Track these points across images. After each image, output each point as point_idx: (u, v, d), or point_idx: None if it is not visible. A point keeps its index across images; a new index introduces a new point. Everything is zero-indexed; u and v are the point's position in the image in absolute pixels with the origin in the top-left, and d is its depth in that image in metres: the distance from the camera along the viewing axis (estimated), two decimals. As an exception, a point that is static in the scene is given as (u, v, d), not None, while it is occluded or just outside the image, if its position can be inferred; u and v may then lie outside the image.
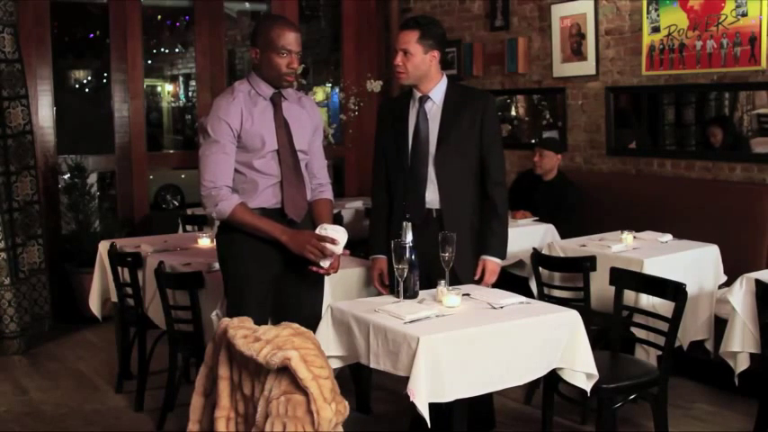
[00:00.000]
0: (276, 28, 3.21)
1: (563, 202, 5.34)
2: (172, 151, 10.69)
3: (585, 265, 4.07)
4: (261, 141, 3.21)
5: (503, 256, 3.60)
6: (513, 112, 6.71)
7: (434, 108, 3.56)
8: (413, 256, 3.06)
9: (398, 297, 3.10)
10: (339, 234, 3.15)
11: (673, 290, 3.29)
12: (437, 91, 3.56)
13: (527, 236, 4.86)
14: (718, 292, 4.24)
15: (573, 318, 3.00)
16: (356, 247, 5.99)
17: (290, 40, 3.19)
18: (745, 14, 4.80)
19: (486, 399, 3.55)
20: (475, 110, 3.53)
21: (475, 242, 3.57)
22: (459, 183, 3.53)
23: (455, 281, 3.36)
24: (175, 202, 10.34)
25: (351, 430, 2.39)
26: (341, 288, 3.82)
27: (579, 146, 5.94)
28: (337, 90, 8.60)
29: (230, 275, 3.29)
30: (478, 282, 3.52)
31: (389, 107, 3.78)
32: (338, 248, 3.15)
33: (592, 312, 3.98)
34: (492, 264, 3.54)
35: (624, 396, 3.26)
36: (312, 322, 2.98)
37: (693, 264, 4.19)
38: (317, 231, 3.17)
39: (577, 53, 5.86)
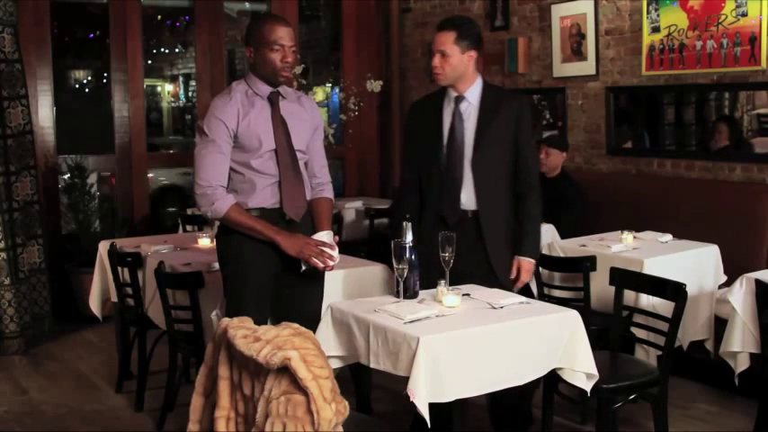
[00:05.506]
0: (267, 24, 3.22)
1: (564, 199, 5.34)
2: (172, 151, 10.66)
3: (585, 265, 4.07)
4: (258, 141, 3.21)
5: (536, 255, 3.60)
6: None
7: (470, 108, 3.52)
8: (413, 256, 3.06)
9: (398, 297, 3.10)
10: (333, 240, 3.24)
11: (673, 290, 3.29)
12: (473, 91, 3.53)
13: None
14: (718, 292, 4.24)
15: (573, 318, 3.00)
16: (356, 248, 6.01)
17: (282, 34, 3.19)
18: (745, 14, 4.80)
19: (527, 395, 3.54)
20: (510, 111, 3.50)
21: (511, 242, 3.55)
22: (496, 184, 3.50)
23: (494, 281, 3.37)
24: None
25: (351, 430, 2.39)
26: (342, 288, 3.82)
27: (579, 146, 5.94)
28: (337, 90, 8.60)
29: (230, 276, 3.29)
30: (515, 281, 3.52)
31: (422, 107, 3.72)
32: (336, 253, 3.21)
33: (592, 312, 3.98)
34: (527, 263, 3.52)
35: (624, 396, 3.26)
36: (312, 322, 2.98)
37: (693, 264, 4.19)
38: (315, 238, 3.21)
39: (577, 53, 5.86)
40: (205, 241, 4.53)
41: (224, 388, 2.43)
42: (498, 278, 3.44)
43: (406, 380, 2.66)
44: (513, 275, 3.52)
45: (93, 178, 6.48)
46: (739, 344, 3.66)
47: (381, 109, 7.56)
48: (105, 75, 7.61)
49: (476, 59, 3.51)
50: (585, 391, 3.05)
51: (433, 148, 3.54)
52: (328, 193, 3.45)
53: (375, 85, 6.93)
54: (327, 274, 3.38)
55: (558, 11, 5.96)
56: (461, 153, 3.49)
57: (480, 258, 3.47)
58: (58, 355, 5.36)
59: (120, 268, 4.35)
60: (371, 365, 2.87)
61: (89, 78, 10.39)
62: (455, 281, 3.30)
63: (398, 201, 3.81)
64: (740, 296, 3.65)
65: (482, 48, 3.58)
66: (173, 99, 12.27)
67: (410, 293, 3.11)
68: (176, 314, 3.88)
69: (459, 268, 3.39)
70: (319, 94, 8.76)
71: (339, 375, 2.63)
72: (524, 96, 3.74)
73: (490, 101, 3.53)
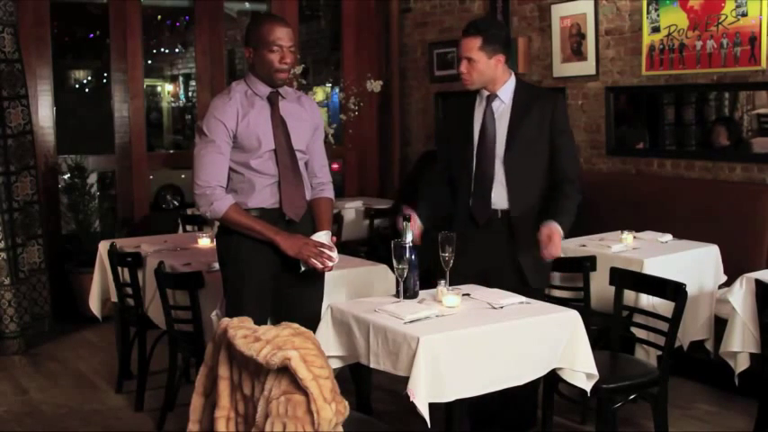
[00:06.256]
0: (266, 24, 3.21)
1: None
2: (172, 151, 10.68)
3: (585, 265, 4.07)
4: (257, 141, 3.21)
5: (566, 227, 3.39)
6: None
7: (502, 107, 3.49)
8: (413, 256, 3.05)
9: (398, 297, 3.10)
10: (331, 241, 3.25)
11: (673, 290, 3.29)
12: (505, 90, 3.49)
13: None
14: (718, 292, 4.24)
15: (573, 318, 3.00)
16: (356, 248, 6.01)
17: (280, 34, 3.18)
18: (745, 14, 4.80)
19: (531, 395, 3.52)
20: (544, 109, 3.46)
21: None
22: (528, 183, 3.46)
23: (523, 283, 3.34)
24: (175, 203, 10.34)
25: (351, 430, 2.39)
26: (342, 288, 3.82)
27: (579, 146, 5.93)
28: (337, 90, 8.61)
29: (230, 276, 3.29)
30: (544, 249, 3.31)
31: (456, 105, 3.69)
32: (335, 254, 3.21)
33: (592, 312, 3.98)
34: (556, 228, 3.29)
35: (624, 396, 3.26)
36: (312, 322, 2.98)
37: (693, 264, 4.19)
38: (313, 238, 3.21)
39: (577, 53, 5.86)
40: (205, 241, 4.53)
41: (224, 388, 2.43)
42: (528, 281, 3.41)
43: (406, 380, 2.66)
44: (543, 239, 3.30)
45: (93, 178, 6.49)
46: (739, 344, 3.66)
47: (381, 109, 7.56)
48: (105, 75, 7.62)
49: (504, 62, 3.46)
50: (585, 391, 3.05)
51: (465, 146, 3.52)
52: (329, 192, 3.45)
53: (375, 85, 6.93)
54: (327, 275, 3.38)
55: (558, 11, 5.96)
56: (492, 152, 3.46)
57: (510, 259, 3.46)
58: (58, 355, 5.36)
59: (120, 268, 4.35)
60: (371, 365, 2.87)
61: (89, 78, 10.41)
62: (484, 282, 3.31)
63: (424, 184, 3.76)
64: (740, 296, 3.65)
65: (510, 49, 3.53)
66: (173, 99, 12.28)
67: (410, 293, 3.11)
68: (176, 314, 3.88)
69: (488, 269, 3.41)
70: (319, 94, 8.77)
71: (339, 375, 2.64)
72: (558, 95, 3.67)
73: (523, 100, 3.48)
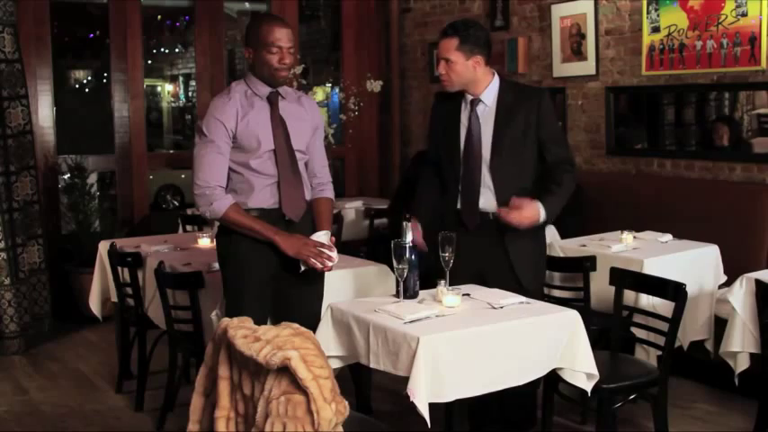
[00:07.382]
0: (265, 25, 3.21)
1: None
2: (172, 151, 10.67)
3: (585, 265, 4.06)
4: (257, 141, 3.21)
5: (550, 214, 3.40)
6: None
7: (487, 111, 3.47)
8: (413, 256, 3.05)
9: (398, 297, 3.10)
10: (330, 241, 3.24)
11: (673, 290, 3.29)
12: (488, 93, 3.47)
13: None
14: (718, 292, 4.24)
15: (573, 318, 3.00)
16: (356, 248, 6.01)
17: (279, 35, 3.18)
18: (745, 14, 4.80)
19: (531, 395, 3.52)
20: (529, 110, 3.43)
21: (535, 246, 3.53)
22: (517, 186, 3.43)
23: (518, 287, 3.34)
24: (175, 203, 10.34)
25: (351, 430, 2.39)
26: (342, 288, 3.81)
27: (579, 146, 5.93)
28: (337, 90, 8.61)
29: (230, 276, 3.29)
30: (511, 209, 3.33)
31: (443, 106, 3.67)
32: (335, 254, 3.21)
33: (592, 312, 3.98)
34: (533, 210, 3.31)
35: (624, 396, 3.26)
36: (312, 322, 2.98)
37: (693, 264, 4.19)
38: (312, 238, 3.21)
39: (577, 53, 5.86)
40: (205, 241, 4.53)
41: (224, 388, 2.43)
42: (522, 283, 3.41)
43: (406, 380, 2.66)
44: (513, 203, 3.32)
45: (93, 178, 6.49)
46: (739, 344, 3.66)
47: (381, 109, 7.56)
48: (105, 75, 7.61)
49: (485, 62, 3.45)
50: (585, 391, 3.05)
51: (451, 151, 3.52)
52: (329, 192, 3.45)
53: (375, 85, 6.92)
54: (327, 274, 3.38)
55: (558, 11, 5.96)
56: (479, 157, 3.45)
57: (503, 262, 3.46)
58: (58, 355, 5.36)
59: (120, 268, 4.35)
60: (371, 365, 2.87)
61: (89, 78, 10.40)
62: (481, 283, 3.32)
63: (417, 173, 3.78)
64: (740, 296, 3.65)
65: (489, 50, 3.50)
66: (173, 99, 12.28)
67: (410, 293, 3.11)
68: (176, 314, 3.88)
69: (484, 270, 3.41)
70: (319, 94, 8.76)
71: (339, 375, 2.64)
72: (544, 92, 3.65)
73: (507, 101, 3.46)
